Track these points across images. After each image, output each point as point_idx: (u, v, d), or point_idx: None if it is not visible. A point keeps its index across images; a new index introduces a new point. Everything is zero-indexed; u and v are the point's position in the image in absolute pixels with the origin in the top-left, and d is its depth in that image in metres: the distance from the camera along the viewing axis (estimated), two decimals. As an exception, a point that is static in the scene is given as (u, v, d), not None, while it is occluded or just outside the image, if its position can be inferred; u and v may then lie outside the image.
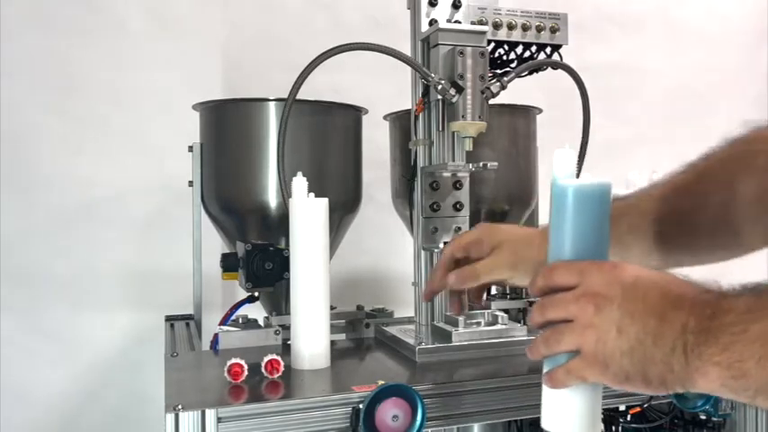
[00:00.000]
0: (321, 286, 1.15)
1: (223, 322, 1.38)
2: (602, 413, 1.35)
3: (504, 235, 0.98)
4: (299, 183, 1.16)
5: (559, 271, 0.69)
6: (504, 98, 1.32)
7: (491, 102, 1.28)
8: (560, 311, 0.67)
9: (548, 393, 0.71)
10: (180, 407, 0.90)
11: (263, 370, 1.07)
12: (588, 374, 0.66)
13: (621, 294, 0.64)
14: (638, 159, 2.05)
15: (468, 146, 1.27)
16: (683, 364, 0.60)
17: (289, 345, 1.20)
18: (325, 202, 1.15)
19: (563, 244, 0.69)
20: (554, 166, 0.70)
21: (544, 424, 0.71)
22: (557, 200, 0.69)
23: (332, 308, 1.24)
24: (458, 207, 1.34)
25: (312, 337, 1.14)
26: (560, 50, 1.40)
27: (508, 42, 1.37)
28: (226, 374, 1.03)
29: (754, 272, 0.75)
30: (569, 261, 0.69)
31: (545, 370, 0.70)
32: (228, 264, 1.33)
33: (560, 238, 0.69)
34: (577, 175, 0.70)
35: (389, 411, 0.96)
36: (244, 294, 1.39)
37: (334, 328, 1.30)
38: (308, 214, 1.14)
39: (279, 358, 1.08)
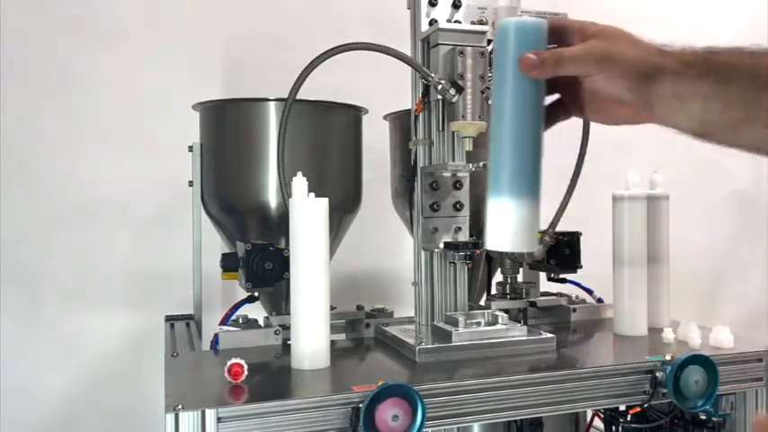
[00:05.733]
0: (321, 286, 1.15)
1: (223, 322, 1.38)
2: (602, 411, 1.38)
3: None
4: (299, 183, 1.16)
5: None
6: (504, 98, 1.31)
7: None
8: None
9: (491, 216, 0.74)
10: (180, 407, 0.91)
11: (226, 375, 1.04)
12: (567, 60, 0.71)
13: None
14: (639, 159, 2.05)
15: (468, 146, 1.27)
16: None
17: (289, 345, 1.21)
18: (325, 202, 1.15)
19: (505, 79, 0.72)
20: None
21: (488, 244, 0.74)
22: (500, 41, 0.73)
23: (332, 308, 1.24)
24: (458, 207, 1.34)
25: (312, 337, 1.14)
26: (560, 50, 1.40)
27: (508, 42, 1.37)
28: (226, 374, 1.03)
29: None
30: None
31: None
32: (228, 264, 1.33)
33: (503, 73, 0.72)
34: None
35: (389, 411, 0.96)
36: (244, 294, 1.39)
37: (334, 328, 1.30)
38: (308, 214, 1.14)
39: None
